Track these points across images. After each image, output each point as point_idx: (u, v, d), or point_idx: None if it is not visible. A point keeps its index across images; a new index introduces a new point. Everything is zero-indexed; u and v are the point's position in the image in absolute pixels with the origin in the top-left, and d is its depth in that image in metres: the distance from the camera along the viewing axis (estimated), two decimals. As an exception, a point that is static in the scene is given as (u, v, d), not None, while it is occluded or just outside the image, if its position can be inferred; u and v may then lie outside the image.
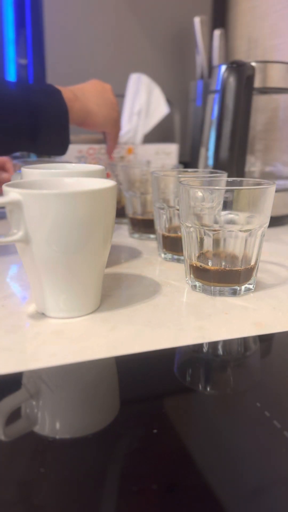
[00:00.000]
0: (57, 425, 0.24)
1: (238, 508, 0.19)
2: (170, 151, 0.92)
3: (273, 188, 0.40)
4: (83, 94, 0.62)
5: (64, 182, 0.39)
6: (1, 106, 0.51)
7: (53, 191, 0.31)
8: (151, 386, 0.28)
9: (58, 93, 0.56)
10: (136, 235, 0.63)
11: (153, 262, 0.51)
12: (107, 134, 0.69)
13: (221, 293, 0.41)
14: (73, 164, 0.48)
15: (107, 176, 0.71)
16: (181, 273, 0.47)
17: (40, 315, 0.36)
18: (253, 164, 0.73)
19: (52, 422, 0.25)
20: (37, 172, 0.43)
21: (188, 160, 0.98)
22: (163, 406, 0.26)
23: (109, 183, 0.36)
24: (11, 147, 0.55)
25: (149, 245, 0.59)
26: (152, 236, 0.61)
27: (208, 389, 0.28)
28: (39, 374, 0.28)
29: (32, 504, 0.19)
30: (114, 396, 0.28)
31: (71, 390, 0.28)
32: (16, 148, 0.57)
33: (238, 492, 0.20)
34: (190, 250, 0.42)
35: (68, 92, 0.59)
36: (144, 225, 0.62)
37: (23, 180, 0.40)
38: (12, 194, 0.32)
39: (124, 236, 0.64)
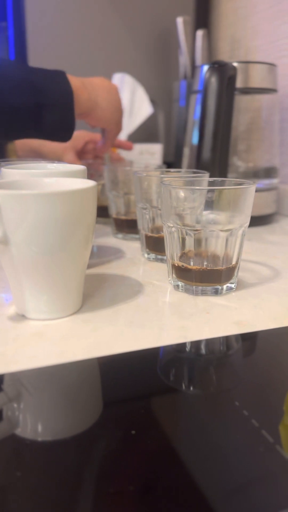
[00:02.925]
0: (36, 429, 0.24)
1: (215, 508, 0.19)
2: (154, 151, 0.92)
3: (253, 188, 0.40)
4: (91, 85, 0.59)
5: (44, 183, 0.39)
6: (1, 86, 0.49)
7: (32, 191, 0.31)
8: (133, 386, 0.28)
9: (62, 75, 0.53)
10: (120, 235, 0.63)
11: (136, 262, 0.51)
12: (108, 132, 0.67)
13: (203, 293, 0.41)
14: (54, 164, 0.48)
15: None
16: (164, 273, 0.47)
17: (21, 317, 0.36)
18: (237, 164, 0.73)
19: (31, 426, 0.24)
20: (17, 173, 0.43)
21: (173, 160, 0.99)
22: (145, 407, 0.26)
23: (89, 183, 0.35)
24: (13, 130, 0.53)
25: (133, 245, 0.59)
26: (136, 236, 0.61)
27: (189, 388, 0.28)
28: (18, 377, 0.28)
29: (8, 508, 0.19)
30: (96, 398, 0.27)
31: (52, 392, 0.28)
32: (20, 132, 0.54)
33: (215, 491, 0.20)
34: (172, 250, 0.42)
35: (75, 80, 0.56)
36: (127, 225, 0.62)
37: (2, 180, 0.40)
38: (-10, 194, 0.31)
39: (108, 236, 0.64)
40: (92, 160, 0.76)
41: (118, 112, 0.64)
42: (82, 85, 0.57)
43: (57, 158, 0.74)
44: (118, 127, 0.67)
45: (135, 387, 0.28)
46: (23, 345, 0.32)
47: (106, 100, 0.61)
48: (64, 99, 0.53)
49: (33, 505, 0.19)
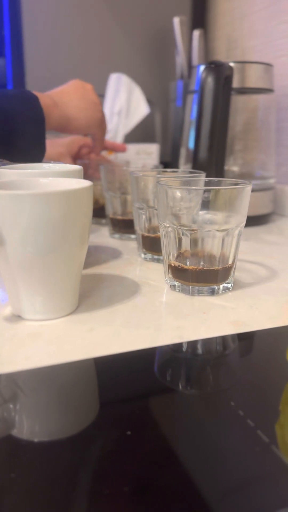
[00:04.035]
0: (32, 430, 0.24)
1: (210, 508, 0.19)
2: (151, 151, 0.92)
3: (249, 188, 0.40)
4: (62, 99, 0.60)
5: (40, 183, 0.38)
6: None
7: (27, 191, 0.31)
8: (130, 387, 0.28)
9: (35, 100, 0.54)
10: (117, 236, 0.63)
11: (133, 263, 0.51)
12: (93, 135, 0.69)
13: (199, 293, 0.41)
14: (50, 164, 0.48)
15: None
16: (161, 273, 0.47)
17: (16, 317, 0.36)
18: (233, 164, 0.73)
19: (26, 427, 0.24)
20: (13, 172, 0.42)
21: (169, 160, 0.99)
22: (141, 407, 0.26)
23: (85, 183, 0.35)
24: None
25: (130, 245, 0.59)
26: (132, 236, 0.61)
27: (185, 389, 0.28)
28: (14, 378, 0.28)
29: (2, 510, 0.19)
30: (92, 398, 0.27)
31: (47, 393, 0.27)
32: None
33: (211, 491, 0.20)
34: (168, 250, 0.42)
35: (46, 98, 0.57)
36: (124, 225, 0.62)
37: (-1, 180, 0.40)
38: (-15, 195, 0.31)
39: (104, 236, 0.64)
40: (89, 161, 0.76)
41: (95, 115, 0.64)
42: (53, 103, 0.58)
43: None
44: (101, 128, 0.67)
45: (132, 387, 0.28)
46: (19, 346, 0.32)
47: (79, 109, 0.62)
48: (35, 126, 0.54)
49: (28, 506, 0.19)
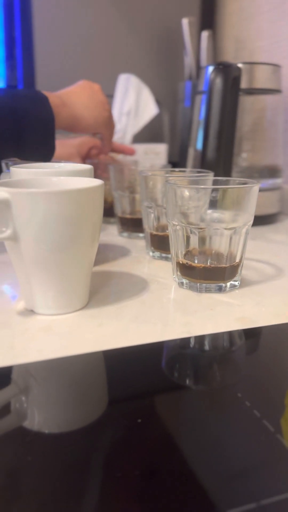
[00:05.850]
0: (45, 418, 0.25)
1: (217, 492, 0.20)
2: (159, 151, 0.93)
3: (256, 188, 0.41)
4: (70, 99, 0.62)
5: (52, 181, 0.39)
6: None
7: (41, 190, 0.32)
8: (138, 379, 0.29)
9: (45, 100, 0.55)
10: (125, 234, 0.64)
11: (141, 260, 0.52)
12: (101, 135, 0.70)
13: (207, 290, 0.42)
14: (61, 164, 0.49)
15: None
16: (169, 271, 0.48)
17: (29, 312, 0.37)
18: (241, 163, 0.74)
19: (40, 415, 0.25)
20: (26, 171, 0.44)
21: (177, 160, 0.99)
22: (150, 397, 0.27)
23: (96, 182, 0.36)
24: None
25: (138, 243, 0.60)
26: (141, 235, 0.62)
27: (191, 381, 0.29)
28: (27, 369, 0.29)
29: (19, 491, 0.20)
30: (100, 389, 0.28)
31: (59, 383, 0.28)
32: (0, 155, 0.57)
33: (218, 477, 0.21)
34: (176, 248, 0.43)
35: (55, 98, 0.58)
36: (133, 224, 0.63)
37: (12, 179, 0.41)
38: (0, 193, 0.32)
39: (113, 235, 0.65)
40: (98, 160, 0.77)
41: (103, 114, 0.65)
42: (61, 103, 0.59)
43: None
44: (109, 127, 0.68)
45: (140, 379, 0.29)
46: (32, 339, 0.33)
47: (87, 108, 0.63)
48: (46, 126, 0.55)
49: (43, 487, 0.20)
